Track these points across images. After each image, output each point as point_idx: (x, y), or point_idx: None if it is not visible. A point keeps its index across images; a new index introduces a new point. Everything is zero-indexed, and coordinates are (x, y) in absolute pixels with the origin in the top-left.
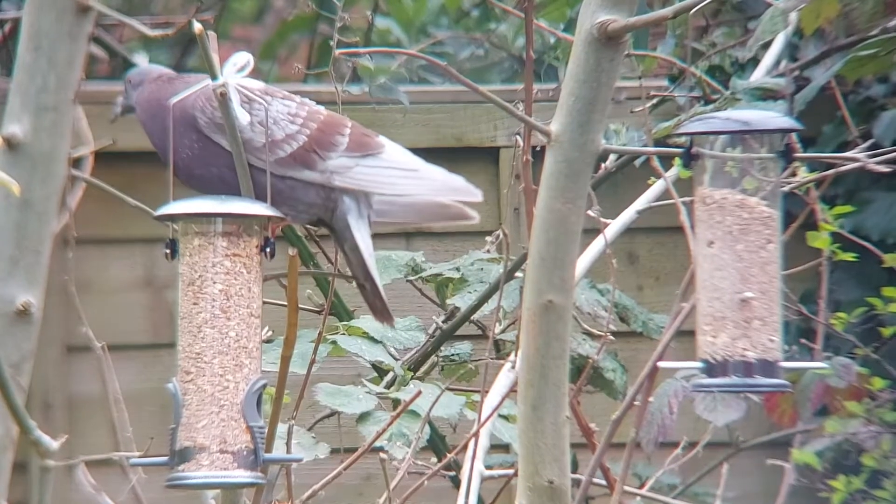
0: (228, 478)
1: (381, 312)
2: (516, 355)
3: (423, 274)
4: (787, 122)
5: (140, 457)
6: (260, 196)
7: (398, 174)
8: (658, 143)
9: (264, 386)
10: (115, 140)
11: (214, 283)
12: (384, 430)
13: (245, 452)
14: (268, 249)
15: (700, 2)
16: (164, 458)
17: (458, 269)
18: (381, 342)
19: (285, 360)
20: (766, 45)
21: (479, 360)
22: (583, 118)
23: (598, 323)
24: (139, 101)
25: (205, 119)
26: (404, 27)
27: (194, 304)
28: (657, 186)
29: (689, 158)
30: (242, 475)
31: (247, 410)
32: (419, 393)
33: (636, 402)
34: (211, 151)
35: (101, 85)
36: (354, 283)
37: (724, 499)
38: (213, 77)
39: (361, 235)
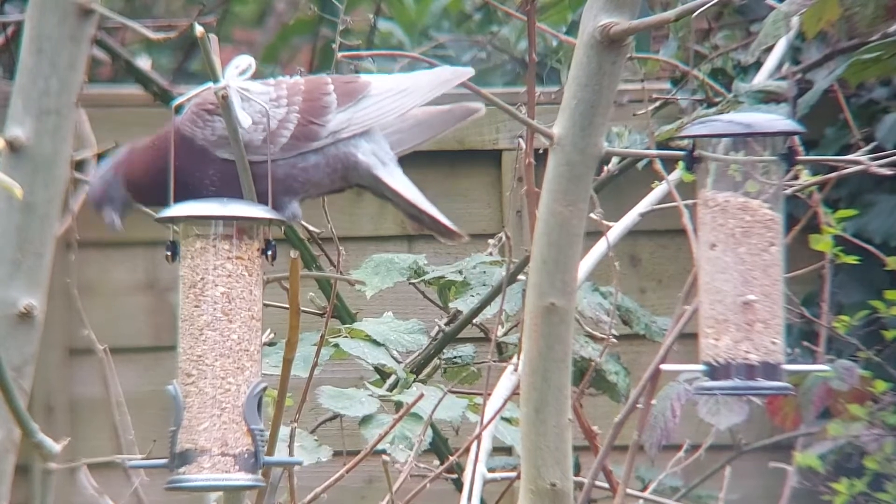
0: (229, 480)
1: (447, 234)
2: (519, 358)
3: (426, 277)
4: (789, 125)
5: (142, 459)
6: (275, 187)
7: (391, 100)
8: (660, 145)
9: (265, 389)
10: (118, 143)
11: (216, 285)
12: (386, 433)
13: (246, 455)
14: (269, 252)
15: (702, 5)
16: (164, 461)
17: (460, 272)
18: (383, 345)
19: (287, 363)
20: (769, 49)
21: (482, 362)
22: (585, 121)
23: (601, 326)
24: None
25: (211, 143)
26: (406, 30)
27: (196, 306)
28: (659, 189)
29: (692, 161)
30: (243, 478)
31: (248, 413)
32: (421, 396)
33: (639, 405)
34: (232, 172)
35: (104, 88)
36: (408, 220)
37: (726, 501)
38: (215, 80)
39: (394, 180)
